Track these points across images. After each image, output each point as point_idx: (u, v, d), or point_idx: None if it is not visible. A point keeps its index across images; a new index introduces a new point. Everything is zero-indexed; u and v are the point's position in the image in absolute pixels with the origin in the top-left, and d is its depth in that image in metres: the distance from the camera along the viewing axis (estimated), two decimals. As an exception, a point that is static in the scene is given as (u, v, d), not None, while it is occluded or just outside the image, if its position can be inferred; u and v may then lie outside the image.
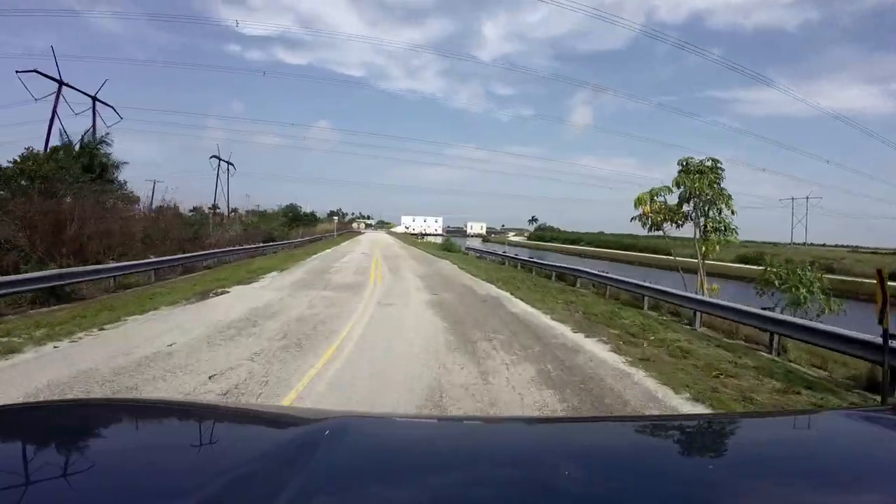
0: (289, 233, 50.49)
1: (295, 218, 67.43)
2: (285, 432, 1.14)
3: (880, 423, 1.23)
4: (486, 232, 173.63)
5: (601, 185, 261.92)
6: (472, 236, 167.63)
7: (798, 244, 68.82)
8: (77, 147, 30.18)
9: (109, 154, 32.01)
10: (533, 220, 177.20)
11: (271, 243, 32.38)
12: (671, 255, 18.22)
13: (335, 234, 63.33)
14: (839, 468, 0.92)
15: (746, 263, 37.25)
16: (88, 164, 28.56)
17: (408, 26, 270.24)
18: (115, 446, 1.05)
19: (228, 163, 56.42)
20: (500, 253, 30.39)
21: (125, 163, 33.01)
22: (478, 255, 33.80)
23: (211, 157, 54.87)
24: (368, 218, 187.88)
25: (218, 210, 54.06)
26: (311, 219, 70.37)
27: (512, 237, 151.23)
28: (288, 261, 22.98)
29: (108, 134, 31.93)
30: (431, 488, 0.82)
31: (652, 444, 1.12)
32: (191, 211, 42.11)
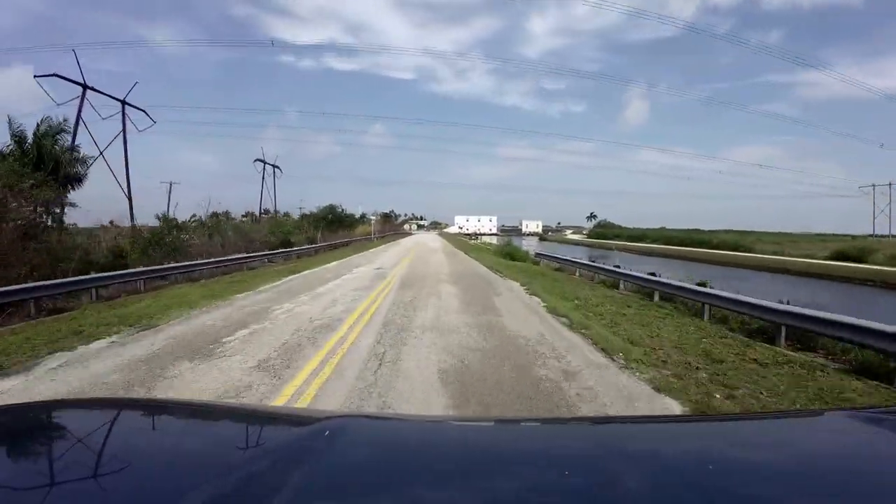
0: (316, 236, 42.47)
1: (334, 220, 58.36)
2: (285, 432, 1.12)
3: (882, 424, 1.14)
4: (542, 230, 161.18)
5: (660, 178, 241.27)
6: (528, 235, 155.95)
7: (881, 236, 54.90)
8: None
9: (76, 146, 23.63)
10: (592, 216, 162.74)
11: (270, 252, 22.71)
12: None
13: (374, 237, 52.95)
14: (840, 469, 0.89)
15: (845, 260, 30.42)
16: (38, 158, 20.44)
17: (455, 26, 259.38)
18: (115, 446, 1.00)
19: (274, 166, 54.34)
20: (606, 268, 16.76)
21: (92, 157, 25.03)
22: (557, 264, 21.41)
23: (255, 161, 52.84)
24: (421, 219, 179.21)
25: (268, 214, 52.05)
26: (352, 220, 60.58)
27: (570, 235, 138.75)
28: (220, 294, 12.02)
29: (65, 121, 22.96)
30: (431, 489, 0.80)
31: (651, 444, 1.06)
32: (244, 216, 39.35)
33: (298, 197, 75.27)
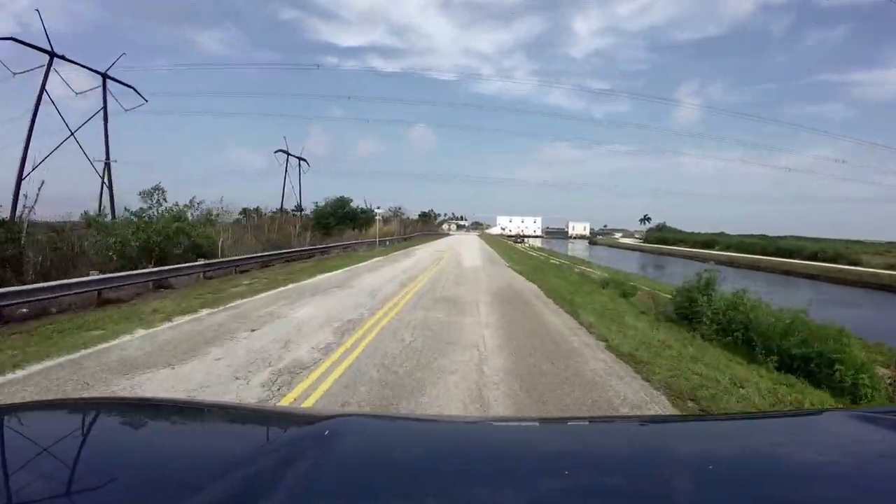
0: (302, 238, 31.32)
1: (346, 216, 46.79)
2: (285, 432, 1.08)
3: (881, 423, 1.09)
4: (591, 233, 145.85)
5: (710, 180, 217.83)
6: (575, 238, 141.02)
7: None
8: None
9: None
10: (645, 219, 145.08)
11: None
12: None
13: (380, 241, 39.99)
14: (840, 469, 0.87)
15: None
16: None
17: (498, 27, 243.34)
18: (115, 445, 0.98)
19: (300, 158, 48.55)
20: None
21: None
22: None
23: (276, 152, 46.14)
24: (461, 219, 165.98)
25: (302, 211, 46.81)
26: (368, 217, 48.54)
27: (622, 239, 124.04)
28: None
29: None
30: (431, 489, 0.78)
31: (652, 444, 1.04)
32: (273, 213, 34.51)
33: (338, 194, 62.75)
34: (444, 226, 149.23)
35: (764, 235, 73.50)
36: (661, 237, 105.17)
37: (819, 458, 0.93)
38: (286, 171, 46.35)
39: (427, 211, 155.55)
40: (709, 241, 77.57)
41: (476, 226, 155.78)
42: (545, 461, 0.88)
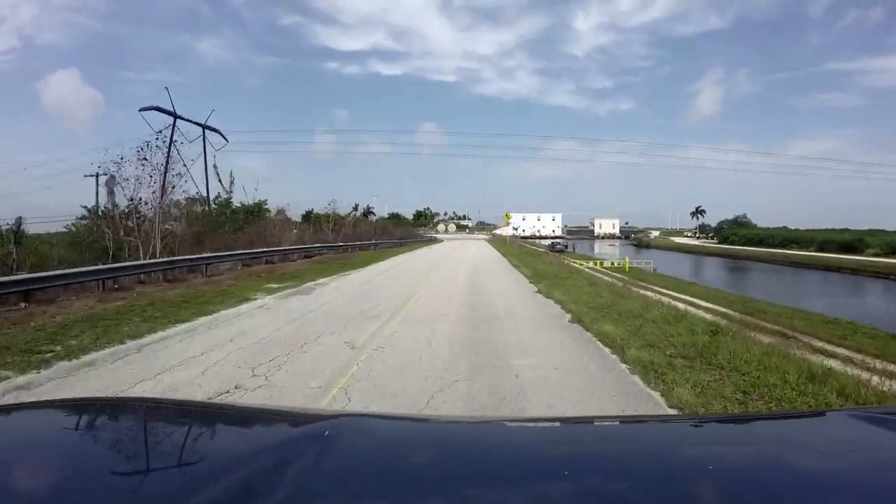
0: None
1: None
2: (285, 432, 1.06)
3: (885, 424, 1.05)
4: (621, 232, 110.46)
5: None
6: (604, 238, 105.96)
7: None
8: None
9: None
10: (698, 212, 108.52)
11: None
12: None
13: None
14: (842, 470, 0.84)
15: None
16: None
17: (499, 28, 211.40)
18: (115, 446, 0.96)
19: (207, 127, 30.84)
20: None
21: None
22: None
23: (143, 110, 28.69)
24: (463, 218, 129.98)
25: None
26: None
27: (677, 239, 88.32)
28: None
29: None
30: (431, 489, 0.76)
31: (653, 445, 1.00)
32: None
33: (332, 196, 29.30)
34: (441, 227, 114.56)
35: (848, 229, 63.76)
36: (752, 235, 69.25)
37: (821, 460, 0.90)
38: (170, 145, 23.39)
39: (423, 210, 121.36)
40: (850, 243, 51.09)
41: (482, 226, 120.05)
42: (547, 462, 0.85)
